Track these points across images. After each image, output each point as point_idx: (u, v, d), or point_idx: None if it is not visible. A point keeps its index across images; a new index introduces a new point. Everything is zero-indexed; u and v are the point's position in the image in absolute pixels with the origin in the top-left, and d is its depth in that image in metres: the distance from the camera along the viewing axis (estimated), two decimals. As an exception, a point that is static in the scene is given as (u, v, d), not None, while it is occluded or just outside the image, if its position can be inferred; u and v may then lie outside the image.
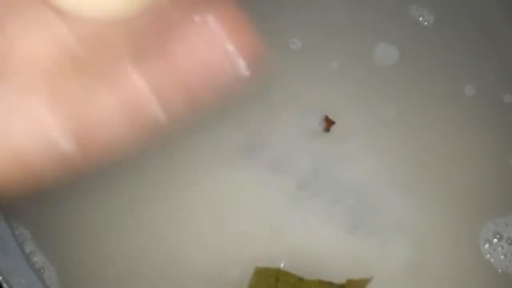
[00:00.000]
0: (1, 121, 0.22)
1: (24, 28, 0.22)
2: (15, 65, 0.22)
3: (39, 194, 0.43)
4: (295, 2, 0.50)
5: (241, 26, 0.29)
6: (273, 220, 0.46)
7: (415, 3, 0.50)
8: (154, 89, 0.26)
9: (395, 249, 0.45)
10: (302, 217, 0.46)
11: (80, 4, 0.23)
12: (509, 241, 0.45)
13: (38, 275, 0.42)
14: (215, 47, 0.28)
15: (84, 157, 0.24)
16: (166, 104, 0.27)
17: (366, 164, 0.47)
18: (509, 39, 0.50)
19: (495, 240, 0.45)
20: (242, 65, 0.29)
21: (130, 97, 0.25)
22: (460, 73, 0.49)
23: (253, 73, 0.30)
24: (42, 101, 0.22)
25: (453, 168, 0.47)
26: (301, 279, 0.41)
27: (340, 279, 0.44)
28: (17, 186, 0.22)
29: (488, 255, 0.45)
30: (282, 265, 0.44)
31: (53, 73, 0.23)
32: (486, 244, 0.45)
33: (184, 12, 0.27)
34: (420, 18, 0.50)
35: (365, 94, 0.49)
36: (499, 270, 0.45)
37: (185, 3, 0.27)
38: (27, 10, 0.22)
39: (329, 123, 0.48)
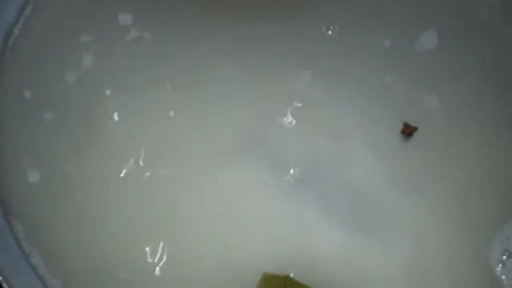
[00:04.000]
0: None
1: None
2: None
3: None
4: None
5: None
6: (272, 221, 0.46)
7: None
8: None
9: (395, 250, 0.45)
10: (302, 218, 0.46)
11: None
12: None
13: (38, 275, 0.41)
14: None
15: None
16: None
17: (366, 164, 0.47)
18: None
19: (496, 239, 0.46)
20: None
21: None
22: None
23: None
24: None
25: (455, 168, 0.47)
26: (309, 290, 0.41)
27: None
28: None
29: (488, 255, 0.45)
30: (277, 266, 0.44)
31: None
32: (488, 244, 0.46)
33: None
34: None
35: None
36: (498, 269, 0.45)
37: None
38: None
39: (409, 129, 0.47)
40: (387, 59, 0.49)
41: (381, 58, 0.49)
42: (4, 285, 0.40)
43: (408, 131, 0.47)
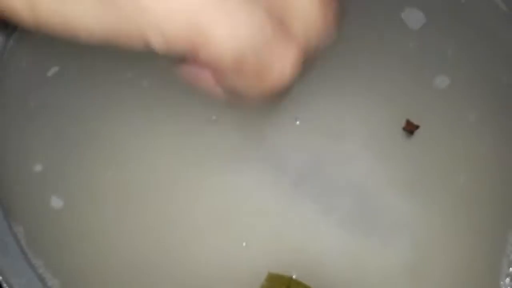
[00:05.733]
0: None
1: None
2: None
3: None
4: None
5: None
6: (272, 222, 0.46)
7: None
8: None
9: (396, 250, 0.45)
10: (301, 218, 0.46)
11: None
12: None
13: (38, 275, 0.41)
14: None
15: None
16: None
17: (366, 163, 0.47)
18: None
19: (502, 244, 0.46)
20: None
21: None
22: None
23: None
24: None
25: (456, 168, 0.47)
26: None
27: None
28: None
29: (488, 254, 0.46)
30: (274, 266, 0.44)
31: None
32: (488, 242, 0.46)
33: None
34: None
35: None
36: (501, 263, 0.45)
37: None
38: None
39: (411, 126, 0.47)
40: (387, 52, 0.49)
41: (382, 52, 0.49)
42: (4, 285, 0.40)
43: (409, 128, 0.47)
